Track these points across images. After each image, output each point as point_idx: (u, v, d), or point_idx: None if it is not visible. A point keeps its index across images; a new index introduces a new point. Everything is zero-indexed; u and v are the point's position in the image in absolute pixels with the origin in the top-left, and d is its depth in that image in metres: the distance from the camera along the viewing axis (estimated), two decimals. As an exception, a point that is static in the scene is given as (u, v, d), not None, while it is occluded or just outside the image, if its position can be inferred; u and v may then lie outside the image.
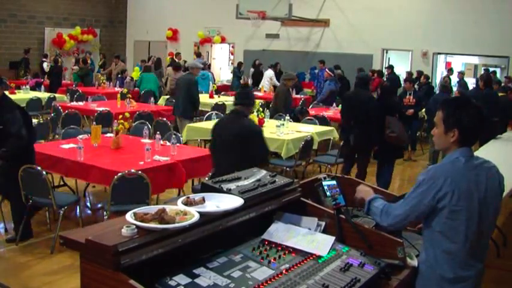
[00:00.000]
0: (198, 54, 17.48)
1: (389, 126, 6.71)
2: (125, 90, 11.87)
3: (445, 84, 10.26)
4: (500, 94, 9.96)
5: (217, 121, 5.25)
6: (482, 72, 12.75)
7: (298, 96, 13.23)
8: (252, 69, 16.13)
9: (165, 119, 8.43)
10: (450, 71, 14.48)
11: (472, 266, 2.34)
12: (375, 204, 2.51)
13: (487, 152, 6.57)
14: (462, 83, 13.64)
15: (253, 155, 4.43)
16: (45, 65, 16.33)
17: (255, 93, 13.36)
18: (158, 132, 6.37)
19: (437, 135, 2.40)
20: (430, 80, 13.47)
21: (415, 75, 13.38)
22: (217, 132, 4.77)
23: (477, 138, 2.45)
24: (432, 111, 9.11)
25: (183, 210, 2.11)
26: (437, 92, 11.16)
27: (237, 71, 16.21)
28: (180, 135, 7.30)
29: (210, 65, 16.15)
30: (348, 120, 7.19)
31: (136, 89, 12.99)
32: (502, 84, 11.73)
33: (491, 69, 14.39)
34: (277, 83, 14.46)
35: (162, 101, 11.42)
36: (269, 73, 14.56)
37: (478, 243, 2.35)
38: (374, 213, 2.51)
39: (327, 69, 12.62)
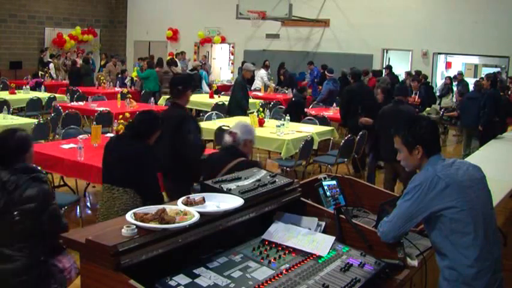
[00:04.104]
0: (170, 62, 14.11)
1: None
2: (125, 90, 11.88)
3: (478, 83, 10.20)
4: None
5: (383, 109, 6.42)
6: (487, 72, 12.76)
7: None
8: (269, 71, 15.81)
9: (165, 119, 8.41)
10: (455, 78, 14.42)
11: (490, 253, 2.34)
12: None
13: (487, 152, 6.57)
14: (463, 84, 13.65)
15: None
16: (51, 65, 16.35)
17: (255, 93, 13.44)
18: (158, 132, 6.35)
19: (404, 158, 2.50)
20: (427, 80, 13.48)
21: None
22: (387, 118, 6.00)
23: (439, 144, 2.52)
24: (466, 108, 9.16)
25: (183, 210, 2.11)
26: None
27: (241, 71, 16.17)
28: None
29: (205, 63, 16.13)
30: None
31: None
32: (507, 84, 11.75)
33: (495, 69, 14.41)
34: (272, 84, 14.51)
35: (162, 101, 11.41)
36: (261, 73, 14.51)
37: (487, 229, 2.35)
38: None
39: (326, 72, 12.66)
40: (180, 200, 2.21)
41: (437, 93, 14.00)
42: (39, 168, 3.18)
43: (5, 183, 2.88)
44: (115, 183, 3.79)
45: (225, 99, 11.30)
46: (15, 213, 2.84)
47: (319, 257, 2.26)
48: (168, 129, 4.30)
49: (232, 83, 15.57)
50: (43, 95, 11.31)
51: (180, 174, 4.40)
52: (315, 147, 7.55)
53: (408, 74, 13.69)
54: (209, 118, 8.85)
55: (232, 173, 3.07)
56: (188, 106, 11.46)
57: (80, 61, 15.88)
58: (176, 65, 14.87)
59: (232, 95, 9.37)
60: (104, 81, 13.55)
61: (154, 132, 3.91)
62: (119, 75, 15.35)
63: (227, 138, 3.73)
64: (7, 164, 2.96)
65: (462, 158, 7.57)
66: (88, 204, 6.60)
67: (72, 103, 10.22)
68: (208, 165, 3.80)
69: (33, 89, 12.48)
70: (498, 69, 14.94)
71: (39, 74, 15.27)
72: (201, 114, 12.21)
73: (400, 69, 15.22)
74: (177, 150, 4.36)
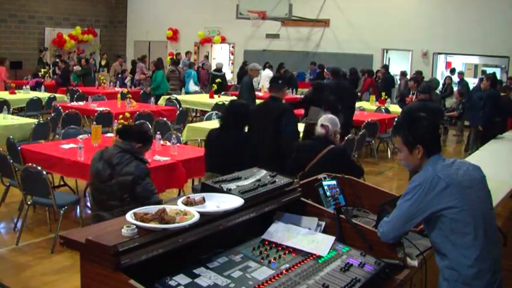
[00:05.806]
0: (175, 62, 15.15)
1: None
2: (125, 91, 11.88)
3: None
4: (501, 94, 9.95)
5: (411, 107, 6.64)
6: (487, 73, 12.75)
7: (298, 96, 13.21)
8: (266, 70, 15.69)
9: (165, 119, 8.42)
10: (452, 71, 14.50)
11: (490, 253, 2.34)
12: None
13: (487, 152, 6.56)
14: (463, 84, 13.66)
15: None
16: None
17: (255, 93, 13.41)
18: (158, 132, 6.36)
19: (404, 158, 2.49)
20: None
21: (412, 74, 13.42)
22: None
23: (440, 143, 2.52)
24: (476, 106, 9.14)
25: (183, 210, 2.11)
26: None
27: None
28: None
29: (194, 63, 16.11)
30: None
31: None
32: (504, 84, 11.74)
33: (490, 70, 14.41)
34: None
35: (162, 101, 11.41)
36: (267, 73, 14.48)
37: (487, 229, 2.35)
38: None
39: (326, 70, 12.67)
40: (180, 200, 2.21)
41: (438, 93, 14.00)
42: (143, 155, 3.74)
43: (111, 158, 3.54)
44: (217, 172, 4.04)
45: (225, 99, 11.29)
46: (115, 182, 3.51)
47: (319, 257, 2.26)
48: (268, 120, 4.66)
49: (233, 83, 15.62)
50: (43, 95, 11.31)
51: (277, 164, 4.44)
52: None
53: (403, 74, 13.72)
54: (209, 118, 8.85)
55: (325, 160, 3.70)
56: (188, 106, 11.58)
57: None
58: (178, 64, 15.07)
59: (239, 95, 9.34)
60: (104, 81, 13.54)
61: (246, 121, 4.29)
62: (119, 75, 15.36)
63: (320, 130, 4.17)
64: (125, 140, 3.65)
65: (469, 154, 7.55)
66: (88, 204, 6.59)
67: (72, 103, 10.22)
68: (299, 154, 4.17)
69: (33, 89, 12.47)
70: (498, 69, 14.93)
71: (50, 72, 15.23)
72: (198, 115, 12.24)
73: (400, 69, 15.21)
74: (277, 140, 4.65)
